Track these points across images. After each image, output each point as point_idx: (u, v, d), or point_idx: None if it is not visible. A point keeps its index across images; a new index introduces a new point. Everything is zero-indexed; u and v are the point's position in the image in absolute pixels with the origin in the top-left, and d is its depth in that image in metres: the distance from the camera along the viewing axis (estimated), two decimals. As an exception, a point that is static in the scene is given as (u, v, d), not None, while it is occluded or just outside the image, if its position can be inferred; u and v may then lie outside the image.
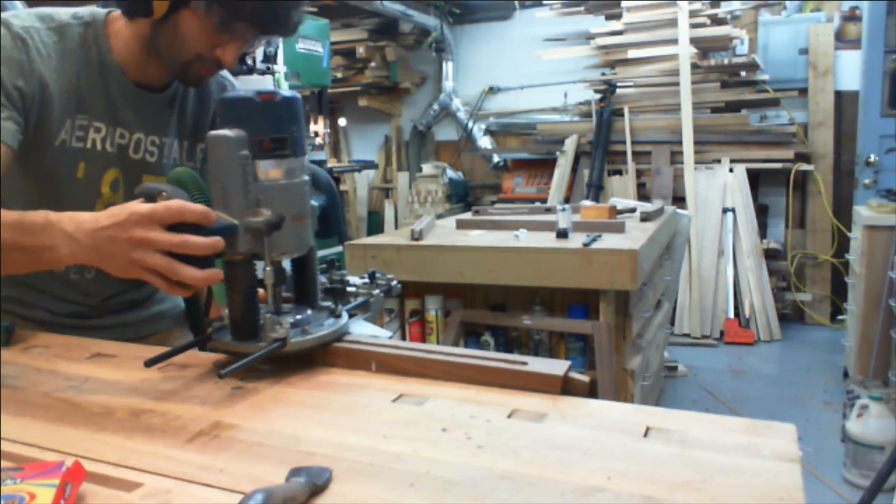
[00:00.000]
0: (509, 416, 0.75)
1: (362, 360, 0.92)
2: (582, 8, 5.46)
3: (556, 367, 0.81)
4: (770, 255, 4.92)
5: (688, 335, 4.77)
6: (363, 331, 0.98)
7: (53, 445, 0.71)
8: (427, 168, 6.30)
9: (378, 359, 0.91)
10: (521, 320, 2.35)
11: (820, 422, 3.38)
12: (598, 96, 5.31)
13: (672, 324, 4.60)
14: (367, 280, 1.05)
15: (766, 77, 4.93)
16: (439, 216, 3.90)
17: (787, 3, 5.21)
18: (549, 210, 3.22)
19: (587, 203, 3.07)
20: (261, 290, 0.91)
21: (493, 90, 6.24)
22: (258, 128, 0.84)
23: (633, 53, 5.22)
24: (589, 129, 5.32)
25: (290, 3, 1.04)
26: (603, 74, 5.42)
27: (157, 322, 1.34)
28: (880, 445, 2.66)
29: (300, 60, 4.42)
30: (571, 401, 0.78)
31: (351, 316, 0.97)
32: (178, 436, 0.72)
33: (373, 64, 6.12)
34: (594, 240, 2.27)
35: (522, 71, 6.10)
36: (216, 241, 0.81)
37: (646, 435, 0.69)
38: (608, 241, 2.28)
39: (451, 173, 6.30)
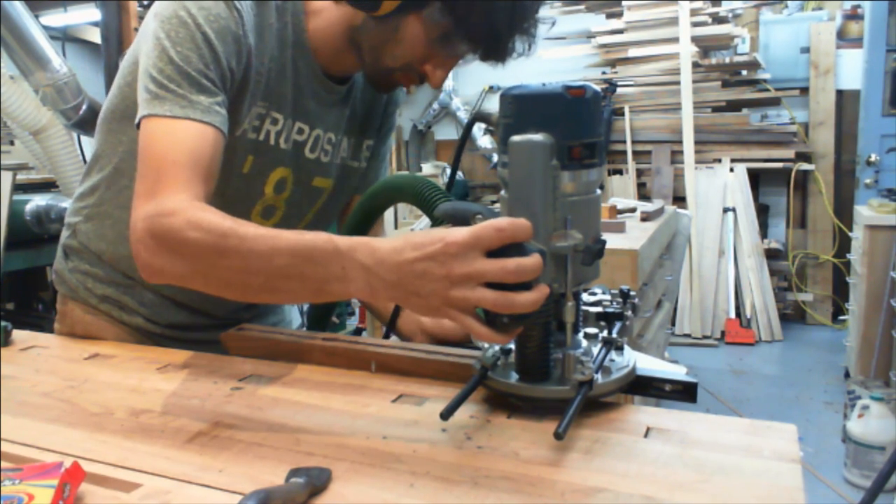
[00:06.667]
0: (509, 417, 0.75)
1: (362, 360, 0.91)
2: (582, 6, 5.46)
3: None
4: (771, 255, 4.92)
5: (688, 335, 4.76)
6: (653, 366, 0.80)
7: (52, 446, 0.71)
8: (427, 168, 6.28)
9: (378, 359, 0.91)
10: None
11: (821, 422, 3.37)
12: (599, 95, 5.30)
13: (673, 324, 4.60)
14: (614, 297, 0.86)
15: (767, 76, 4.92)
16: (440, 216, 3.88)
17: (789, 1, 5.20)
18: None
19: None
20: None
21: (493, 89, 6.22)
22: (568, 131, 0.70)
23: (633, 52, 5.21)
24: (590, 129, 5.31)
25: (518, 31, 0.94)
26: (603, 73, 5.41)
27: None
28: (881, 446, 2.66)
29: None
30: (572, 401, 0.78)
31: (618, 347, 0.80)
32: (177, 436, 0.72)
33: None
34: (595, 239, 2.25)
35: (523, 70, 6.04)
36: (538, 258, 0.68)
37: (646, 435, 0.69)
38: (608, 241, 2.26)
39: (451, 173, 6.29)
